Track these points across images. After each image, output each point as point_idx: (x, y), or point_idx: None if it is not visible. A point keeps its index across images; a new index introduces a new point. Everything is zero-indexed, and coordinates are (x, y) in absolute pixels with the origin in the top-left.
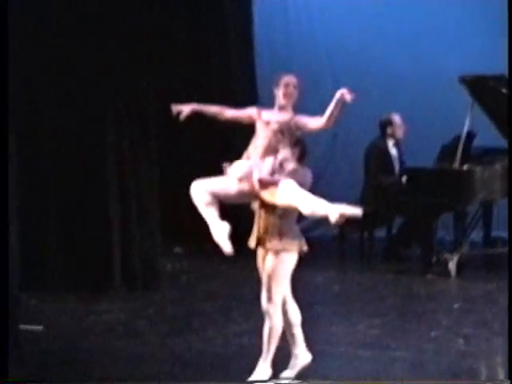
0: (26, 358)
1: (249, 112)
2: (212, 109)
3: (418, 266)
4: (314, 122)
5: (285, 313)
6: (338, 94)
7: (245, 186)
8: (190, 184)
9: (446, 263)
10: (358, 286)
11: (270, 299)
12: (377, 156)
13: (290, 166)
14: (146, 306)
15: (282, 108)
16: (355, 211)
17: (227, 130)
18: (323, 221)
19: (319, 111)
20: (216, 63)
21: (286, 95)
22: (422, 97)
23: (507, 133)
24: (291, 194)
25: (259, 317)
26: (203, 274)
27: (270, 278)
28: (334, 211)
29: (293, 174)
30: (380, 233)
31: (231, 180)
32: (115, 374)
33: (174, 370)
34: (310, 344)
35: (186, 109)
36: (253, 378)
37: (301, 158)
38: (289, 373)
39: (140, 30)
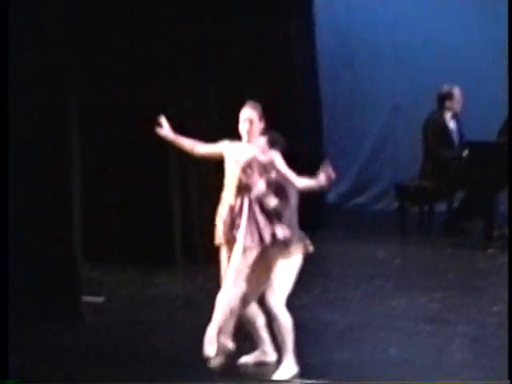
0: (88, 329)
1: (220, 149)
2: (185, 143)
3: (479, 240)
4: (293, 180)
5: (253, 314)
6: (322, 179)
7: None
8: None
9: (507, 237)
10: (419, 260)
11: (276, 300)
12: (435, 130)
13: (273, 202)
14: (206, 279)
15: (249, 141)
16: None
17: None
18: (383, 195)
19: (380, 85)
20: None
21: (248, 132)
22: (484, 69)
23: None
24: (230, 270)
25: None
26: None
27: (278, 280)
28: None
29: (278, 210)
30: (440, 207)
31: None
32: (174, 345)
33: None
34: (371, 318)
35: (162, 131)
36: (276, 376)
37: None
38: (247, 359)
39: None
